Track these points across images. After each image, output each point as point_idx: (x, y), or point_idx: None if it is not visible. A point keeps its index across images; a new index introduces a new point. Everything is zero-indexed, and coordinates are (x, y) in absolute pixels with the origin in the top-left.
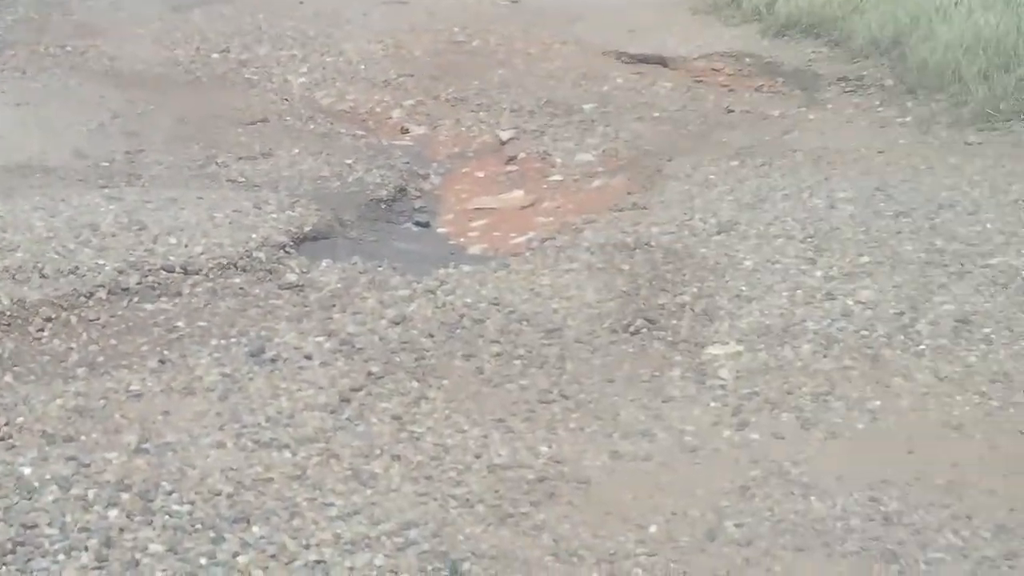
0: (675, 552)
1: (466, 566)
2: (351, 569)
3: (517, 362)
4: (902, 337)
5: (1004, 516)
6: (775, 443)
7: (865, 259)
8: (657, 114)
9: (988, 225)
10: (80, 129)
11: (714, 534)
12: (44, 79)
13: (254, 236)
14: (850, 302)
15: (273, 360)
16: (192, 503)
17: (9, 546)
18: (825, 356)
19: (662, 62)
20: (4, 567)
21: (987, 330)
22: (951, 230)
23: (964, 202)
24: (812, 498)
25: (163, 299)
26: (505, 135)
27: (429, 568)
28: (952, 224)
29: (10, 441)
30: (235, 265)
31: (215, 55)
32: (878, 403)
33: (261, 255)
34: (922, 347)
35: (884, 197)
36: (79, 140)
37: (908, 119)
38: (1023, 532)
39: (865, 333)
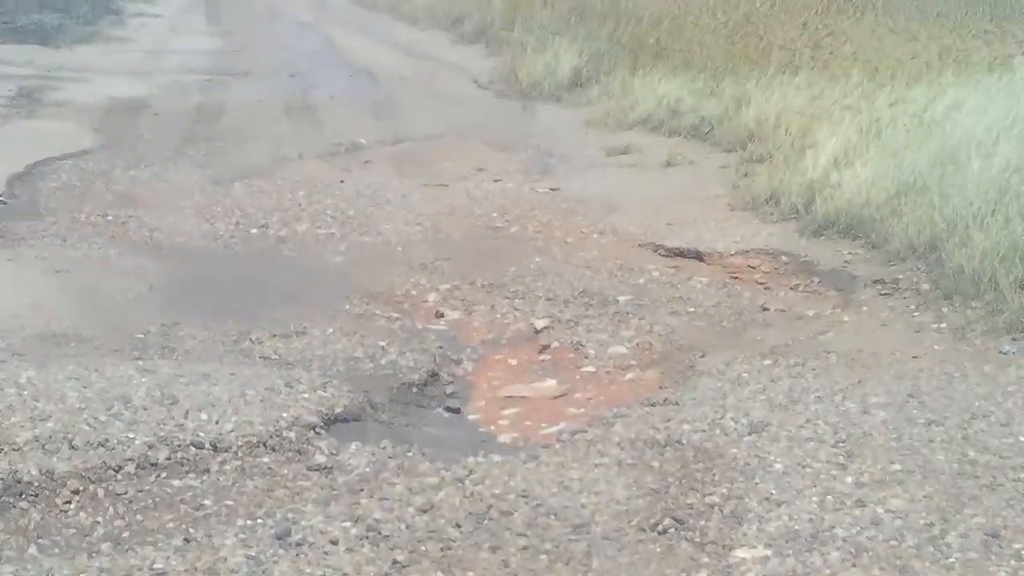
0: None
1: None
2: None
3: (543, 557)
4: (931, 549)
5: None
6: None
7: (896, 467)
8: (692, 309)
9: (1021, 437)
10: (117, 299)
11: None
12: (84, 247)
13: (285, 415)
14: (880, 510)
15: (299, 544)
16: None
17: None
18: (854, 565)
19: (699, 256)
20: None
21: (1017, 546)
22: (983, 441)
23: (997, 412)
24: None
25: (191, 476)
26: (539, 323)
27: None
28: (985, 435)
29: None
30: (265, 444)
31: (254, 230)
32: None
33: (291, 435)
34: (951, 560)
35: (917, 404)
36: (116, 310)
37: (943, 325)
38: None
39: (894, 543)
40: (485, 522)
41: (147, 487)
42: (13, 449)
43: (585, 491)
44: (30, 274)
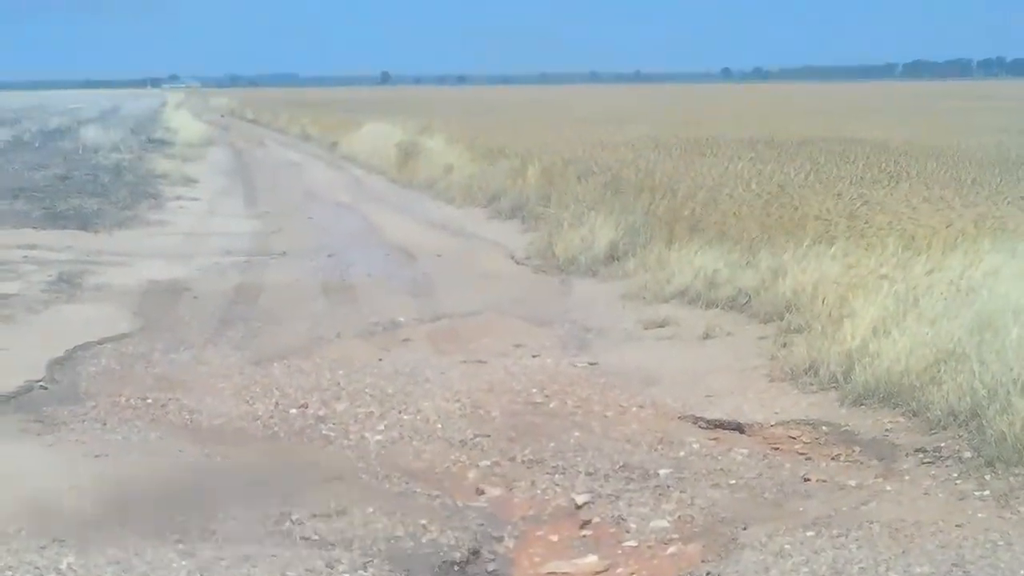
0: None
1: None
2: None
3: None
4: None
5: None
6: None
7: None
8: (733, 481)
9: None
10: (157, 482)
11: None
12: (124, 431)
13: None
14: None
15: None
16: None
17: None
18: None
19: (739, 428)
20: None
21: None
22: None
23: None
24: None
25: None
26: (580, 499)
27: None
28: None
29: None
30: None
31: (293, 410)
32: None
33: None
34: None
35: (962, 574)
36: (156, 493)
37: (986, 492)
38: None
39: None
40: None
41: None
42: None
43: None
44: (70, 459)
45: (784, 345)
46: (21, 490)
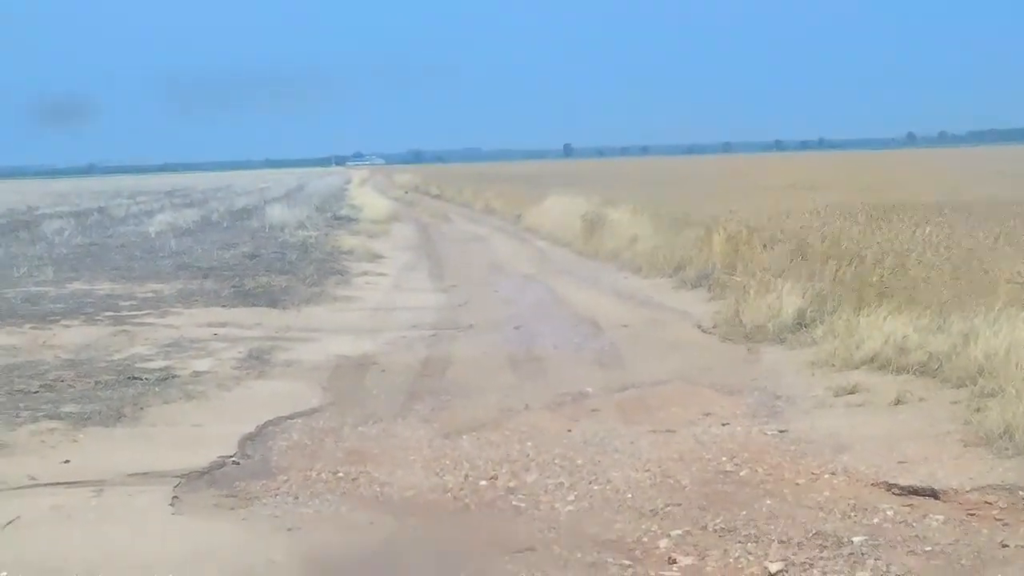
0: None
1: None
2: None
3: None
4: None
5: None
6: None
7: None
8: (929, 548)
9: None
10: (350, 555)
11: None
12: (316, 504)
13: None
14: None
15: None
16: None
17: None
18: None
19: (933, 494)
20: None
21: None
22: None
23: None
24: None
25: None
26: (773, 567)
27: None
28: None
29: None
30: None
31: (483, 482)
32: None
33: None
34: None
35: None
36: (350, 567)
37: None
38: None
39: None
40: None
41: None
42: None
43: None
44: (264, 533)
45: (978, 410)
46: (216, 566)
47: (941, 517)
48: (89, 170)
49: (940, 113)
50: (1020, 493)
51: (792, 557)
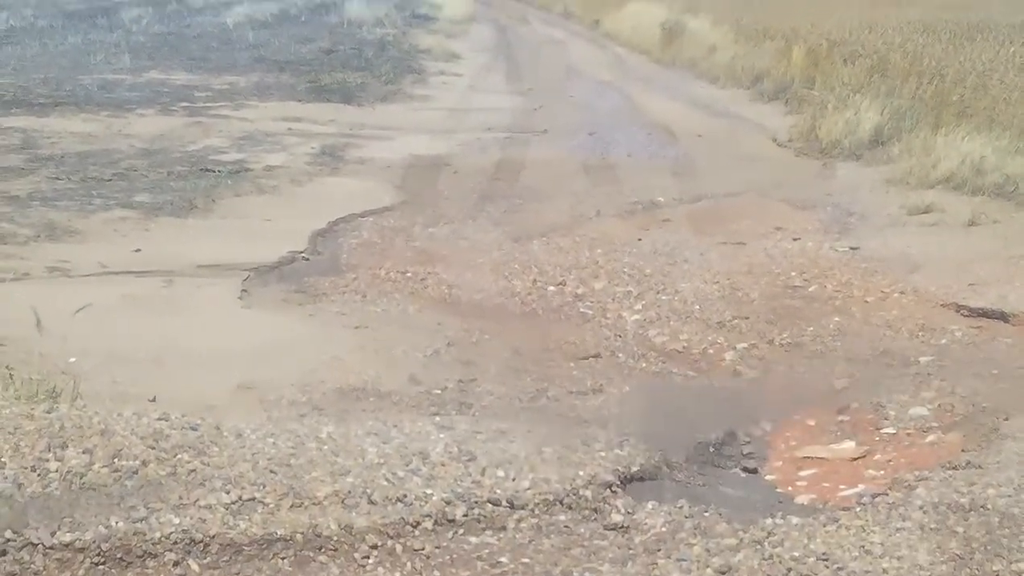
0: None
1: None
2: None
3: None
4: None
5: None
6: None
7: None
8: (995, 371)
9: None
10: (416, 355)
11: None
12: (384, 303)
13: (581, 473)
14: None
15: None
16: None
17: None
18: None
19: (1003, 317)
20: None
21: None
22: None
23: None
24: None
25: (488, 533)
26: (839, 384)
27: None
28: None
29: None
30: (561, 502)
31: (551, 288)
32: None
33: (588, 493)
34: None
35: None
36: (414, 366)
37: None
38: None
39: None
40: None
41: (445, 543)
42: (313, 503)
43: (887, 555)
44: (330, 329)
45: None
46: (282, 360)
47: (1009, 340)
48: None
49: None
50: None
51: (857, 374)
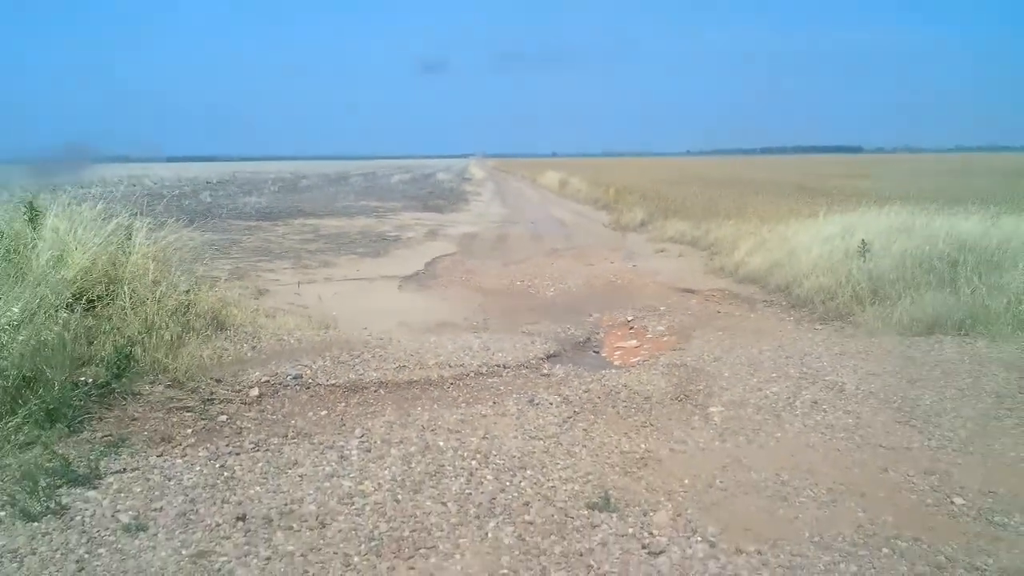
0: None
1: None
2: None
3: (633, 410)
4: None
5: None
6: None
7: (773, 374)
8: (691, 312)
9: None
10: (466, 309)
11: None
12: (453, 289)
13: (530, 355)
14: (755, 381)
15: (537, 404)
16: None
17: None
18: (778, 417)
19: (691, 292)
20: None
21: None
22: (808, 362)
23: (819, 352)
24: None
25: (494, 378)
26: (629, 317)
27: None
28: (810, 358)
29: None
30: (523, 366)
31: (518, 282)
32: None
33: (533, 362)
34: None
35: (780, 348)
36: (466, 313)
37: (791, 318)
38: None
39: (772, 401)
40: (611, 395)
41: (478, 382)
42: (427, 367)
43: (649, 383)
44: (432, 300)
45: (711, 258)
46: (415, 311)
47: (695, 300)
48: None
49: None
50: (727, 291)
51: (637, 315)
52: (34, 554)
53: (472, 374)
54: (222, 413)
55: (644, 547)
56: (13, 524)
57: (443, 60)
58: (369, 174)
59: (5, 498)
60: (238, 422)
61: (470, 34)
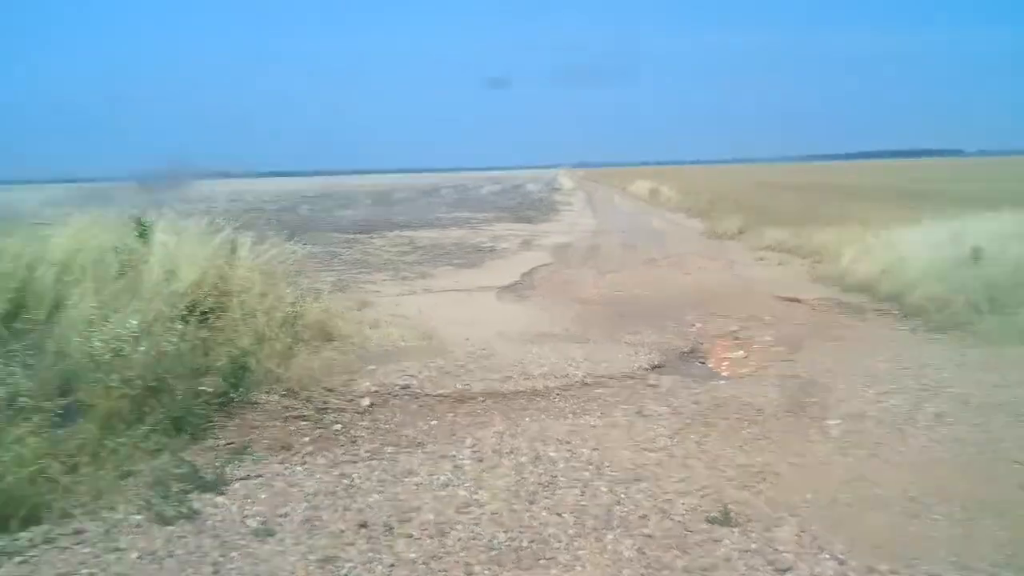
0: None
1: None
2: None
3: (738, 418)
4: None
5: None
6: None
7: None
8: (799, 322)
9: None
10: (565, 319)
11: None
12: (551, 298)
13: (635, 365)
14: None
15: (646, 416)
16: None
17: None
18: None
19: (797, 300)
20: None
21: None
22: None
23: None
24: None
25: (600, 388)
26: (734, 328)
27: None
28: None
29: None
30: (629, 377)
31: (616, 292)
32: None
33: (639, 372)
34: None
35: (880, 358)
36: (565, 323)
37: (904, 327)
38: None
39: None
40: (721, 407)
41: (583, 393)
42: (531, 378)
43: (760, 395)
44: (532, 309)
45: (816, 263)
46: (514, 322)
47: (801, 309)
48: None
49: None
50: (834, 300)
51: (742, 324)
52: (171, 556)
53: (578, 384)
54: (336, 422)
55: (770, 563)
56: (150, 528)
57: (528, 73)
58: (459, 186)
59: (141, 503)
60: (352, 431)
61: (567, 48)
